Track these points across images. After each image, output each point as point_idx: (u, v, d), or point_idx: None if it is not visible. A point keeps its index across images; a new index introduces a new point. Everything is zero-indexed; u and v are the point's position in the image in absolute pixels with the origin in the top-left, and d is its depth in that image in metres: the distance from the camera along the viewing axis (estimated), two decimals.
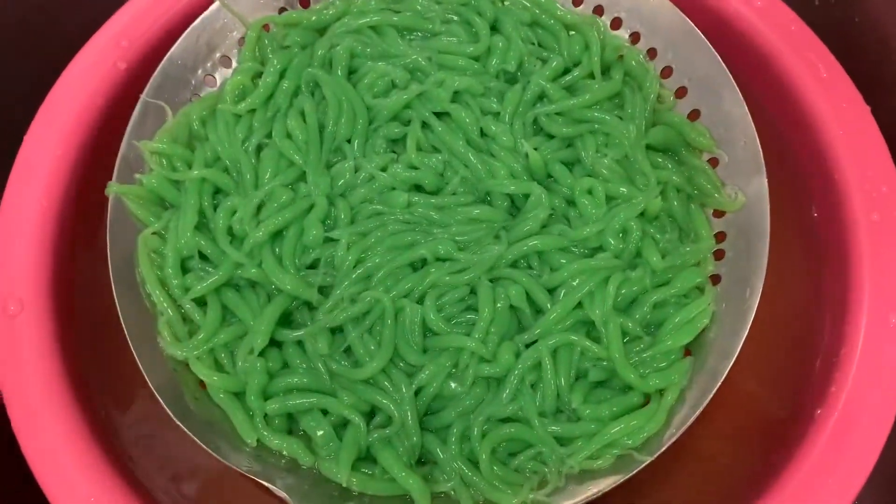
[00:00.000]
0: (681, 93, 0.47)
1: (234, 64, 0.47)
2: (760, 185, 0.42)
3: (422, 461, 0.40)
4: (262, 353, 0.40)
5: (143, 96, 0.43)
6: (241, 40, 0.47)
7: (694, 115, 0.46)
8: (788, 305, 0.45)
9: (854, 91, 0.45)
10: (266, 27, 0.47)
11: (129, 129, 0.43)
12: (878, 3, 0.50)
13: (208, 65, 0.46)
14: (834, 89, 0.45)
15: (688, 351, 0.42)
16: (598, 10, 0.48)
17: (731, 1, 0.48)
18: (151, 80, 0.44)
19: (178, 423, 0.38)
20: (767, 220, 0.41)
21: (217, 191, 0.44)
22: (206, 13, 0.46)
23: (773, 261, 0.41)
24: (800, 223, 0.47)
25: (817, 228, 0.46)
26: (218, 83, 0.47)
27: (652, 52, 0.47)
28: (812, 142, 0.45)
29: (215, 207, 0.43)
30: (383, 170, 0.43)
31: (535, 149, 0.43)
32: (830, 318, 0.43)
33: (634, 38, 0.48)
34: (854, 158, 0.43)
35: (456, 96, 0.44)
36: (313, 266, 0.42)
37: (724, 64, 0.44)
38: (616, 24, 0.48)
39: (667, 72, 0.47)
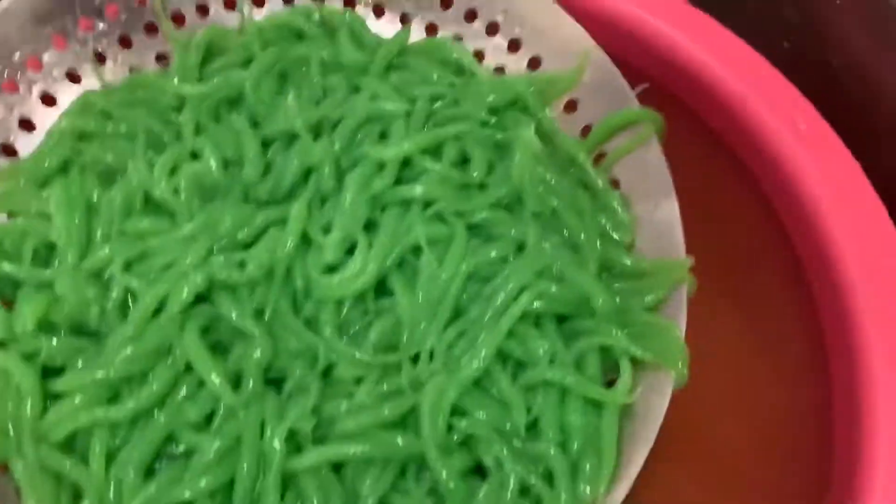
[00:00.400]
0: (571, 106, 0.40)
1: None
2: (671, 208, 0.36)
3: None
4: None
5: None
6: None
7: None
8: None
9: (840, 146, 0.39)
10: None
11: None
12: (856, 44, 0.44)
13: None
14: (817, 144, 0.40)
15: None
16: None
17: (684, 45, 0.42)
18: None
19: None
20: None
21: None
22: None
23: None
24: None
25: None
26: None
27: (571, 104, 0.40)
28: (800, 209, 0.40)
29: None
30: None
31: None
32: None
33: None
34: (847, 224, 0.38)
35: None
36: None
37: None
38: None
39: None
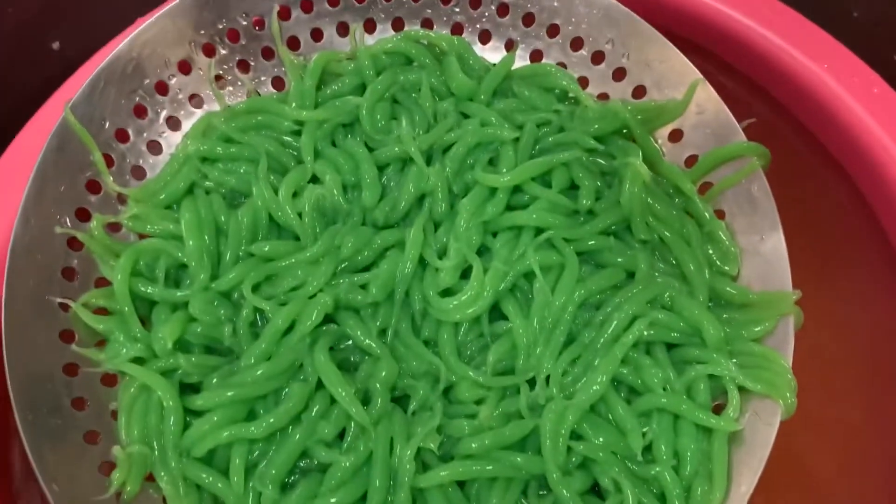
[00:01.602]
0: (676, 136, 0.41)
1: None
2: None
3: None
4: None
5: (66, 110, 0.37)
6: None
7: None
8: None
9: None
10: None
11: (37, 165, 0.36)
12: None
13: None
14: None
15: None
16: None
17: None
18: (81, 91, 0.38)
19: None
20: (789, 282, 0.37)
21: None
22: None
23: None
24: None
25: None
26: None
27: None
28: None
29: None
30: None
31: None
32: None
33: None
34: None
35: None
36: None
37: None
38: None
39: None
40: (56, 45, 0.53)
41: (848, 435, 0.44)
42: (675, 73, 0.40)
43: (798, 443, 0.38)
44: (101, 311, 0.37)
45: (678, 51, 0.40)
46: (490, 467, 0.34)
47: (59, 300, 0.36)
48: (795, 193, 0.40)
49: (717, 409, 0.36)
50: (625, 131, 0.41)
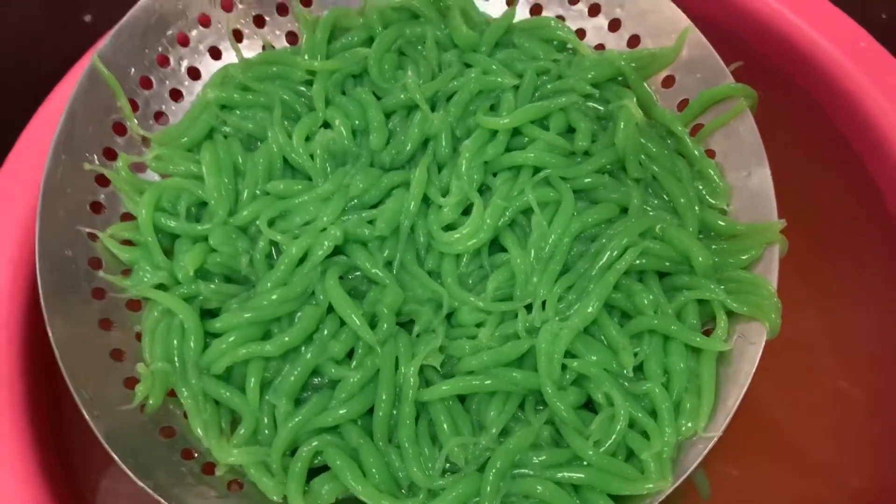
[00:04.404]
0: (668, 82, 0.43)
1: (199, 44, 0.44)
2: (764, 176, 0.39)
3: None
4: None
5: (94, 56, 0.39)
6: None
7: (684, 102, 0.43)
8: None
9: None
10: None
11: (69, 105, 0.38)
12: None
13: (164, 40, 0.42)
14: None
15: None
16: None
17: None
18: (107, 40, 0.40)
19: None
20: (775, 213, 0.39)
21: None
22: None
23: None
24: None
25: None
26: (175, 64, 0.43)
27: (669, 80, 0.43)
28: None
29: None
30: None
31: None
32: None
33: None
34: None
35: None
36: None
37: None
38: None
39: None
40: (88, 18, 0.56)
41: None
42: (667, 22, 0.42)
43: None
44: (126, 244, 0.40)
45: (670, 0, 0.42)
46: (489, 382, 0.36)
47: (87, 230, 0.38)
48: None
49: (706, 334, 0.38)
50: (620, 78, 0.43)
